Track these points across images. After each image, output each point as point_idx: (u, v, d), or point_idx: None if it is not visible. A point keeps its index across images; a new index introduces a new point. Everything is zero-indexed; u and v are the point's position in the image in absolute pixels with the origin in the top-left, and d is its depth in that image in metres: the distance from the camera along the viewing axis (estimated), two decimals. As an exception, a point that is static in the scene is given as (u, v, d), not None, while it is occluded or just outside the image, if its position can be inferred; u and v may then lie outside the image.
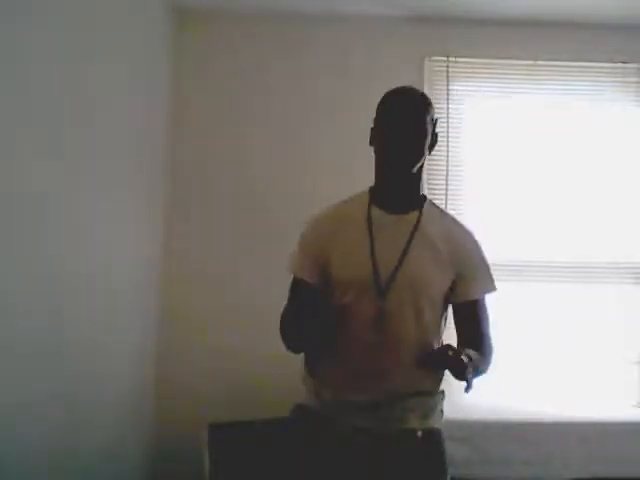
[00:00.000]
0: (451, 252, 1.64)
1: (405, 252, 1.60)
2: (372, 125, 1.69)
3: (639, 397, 3.22)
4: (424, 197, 1.71)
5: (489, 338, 1.69)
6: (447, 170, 3.29)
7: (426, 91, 3.31)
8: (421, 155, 1.62)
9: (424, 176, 1.73)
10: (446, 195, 3.27)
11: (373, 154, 1.69)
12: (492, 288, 1.71)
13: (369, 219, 1.64)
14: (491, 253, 3.30)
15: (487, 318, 1.70)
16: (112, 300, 2.50)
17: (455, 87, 3.34)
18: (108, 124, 2.40)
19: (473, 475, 2.68)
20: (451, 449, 2.73)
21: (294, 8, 3.20)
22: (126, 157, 2.63)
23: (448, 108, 3.32)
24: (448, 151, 3.30)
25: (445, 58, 3.33)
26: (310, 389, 1.70)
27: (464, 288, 1.65)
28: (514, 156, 3.34)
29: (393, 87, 1.68)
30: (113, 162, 2.48)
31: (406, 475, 1.60)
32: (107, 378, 2.49)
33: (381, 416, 1.60)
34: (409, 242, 1.61)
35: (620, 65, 3.33)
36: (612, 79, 3.35)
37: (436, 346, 1.64)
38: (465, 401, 3.18)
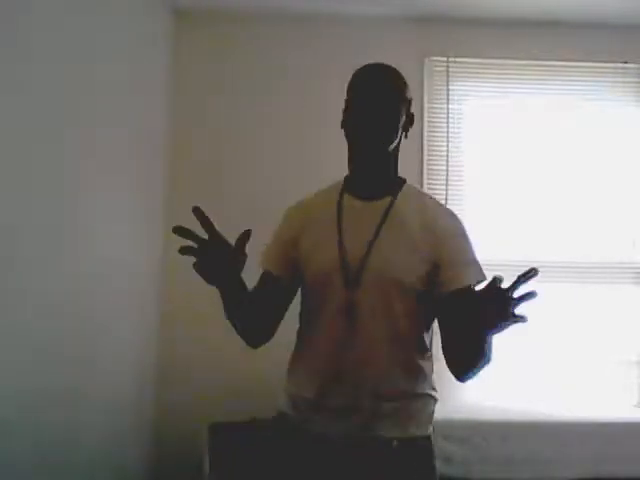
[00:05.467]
0: (430, 237, 1.49)
1: (373, 240, 1.48)
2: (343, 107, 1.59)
3: (639, 397, 3.23)
4: (403, 180, 1.60)
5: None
6: (447, 170, 3.30)
7: (426, 91, 3.33)
8: (395, 132, 1.52)
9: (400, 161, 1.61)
10: (446, 195, 3.28)
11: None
12: (482, 276, 1.51)
13: (339, 209, 1.55)
14: (491, 253, 3.36)
15: None
16: (112, 300, 2.50)
17: (455, 87, 3.34)
18: (108, 124, 2.40)
19: (473, 475, 2.68)
20: (451, 449, 2.77)
21: (294, 8, 3.20)
22: (126, 157, 2.63)
23: (448, 108, 3.32)
24: (448, 151, 3.31)
25: (445, 58, 3.34)
26: (286, 394, 1.61)
27: (450, 275, 1.47)
28: (514, 156, 3.34)
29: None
30: (113, 162, 2.48)
31: None
32: (107, 378, 2.49)
33: (354, 421, 1.48)
34: (379, 228, 1.50)
35: (620, 65, 3.33)
36: (612, 79, 3.35)
37: (408, 346, 1.51)
38: (465, 401, 3.19)
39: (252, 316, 1.60)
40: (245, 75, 3.30)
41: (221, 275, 1.43)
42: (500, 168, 3.35)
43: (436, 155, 3.32)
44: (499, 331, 1.35)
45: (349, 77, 1.61)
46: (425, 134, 3.30)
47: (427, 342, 1.57)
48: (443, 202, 3.26)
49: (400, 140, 1.57)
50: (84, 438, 2.24)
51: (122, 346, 2.67)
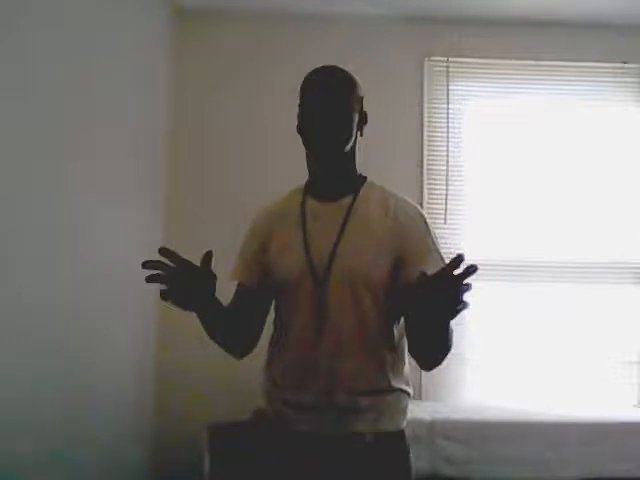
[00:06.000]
0: (391, 231, 1.52)
1: (339, 240, 1.51)
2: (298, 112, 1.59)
3: (639, 397, 3.23)
4: (364, 178, 1.62)
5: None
6: (447, 170, 3.30)
7: (426, 91, 3.33)
8: (350, 132, 1.54)
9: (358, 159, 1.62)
10: (446, 195, 3.28)
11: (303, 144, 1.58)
12: (443, 263, 1.49)
13: (303, 212, 1.57)
14: (491, 253, 3.37)
15: None
16: (112, 301, 2.50)
17: (455, 87, 3.34)
18: (108, 124, 2.40)
19: (473, 475, 2.68)
20: (451, 449, 2.77)
21: (294, 8, 3.21)
22: (126, 157, 2.63)
23: (448, 108, 3.32)
24: (448, 151, 3.31)
25: (445, 58, 3.34)
26: (262, 391, 1.63)
27: (414, 266, 1.46)
28: (514, 156, 3.34)
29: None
30: (113, 162, 2.48)
31: None
32: (107, 379, 2.49)
33: (328, 417, 1.49)
34: (343, 228, 1.52)
35: (620, 65, 3.33)
36: (612, 79, 3.35)
37: (378, 341, 1.52)
38: (465, 401, 3.20)
39: (234, 332, 1.63)
40: (244, 75, 3.30)
41: (192, 299, 1.43)
42: (500, 168, 3.35)
43: (436, 155, 3.32)
44: (454, 316, 1.30)
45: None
46: (425, 134, 3.30)
47: (397, 337, 1.56)
48: (443, 201, 3.27)
49: (356, 139, 1.59)
50: (84, 438, 2.24)
51: (122, 347, 2.67)
